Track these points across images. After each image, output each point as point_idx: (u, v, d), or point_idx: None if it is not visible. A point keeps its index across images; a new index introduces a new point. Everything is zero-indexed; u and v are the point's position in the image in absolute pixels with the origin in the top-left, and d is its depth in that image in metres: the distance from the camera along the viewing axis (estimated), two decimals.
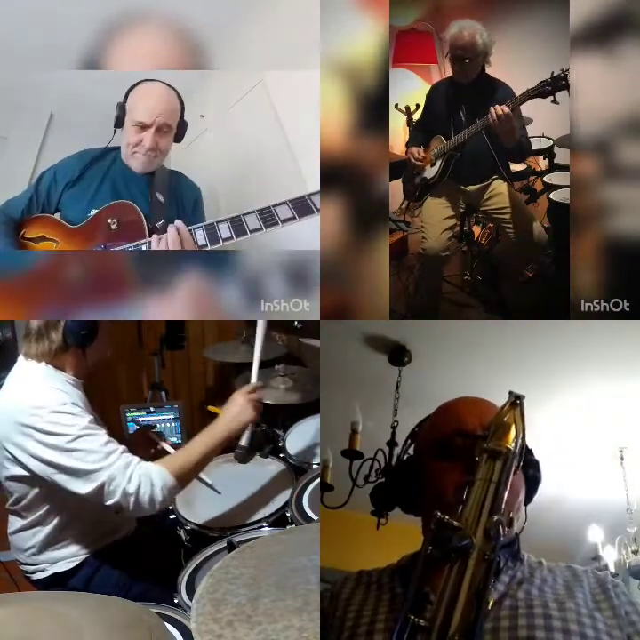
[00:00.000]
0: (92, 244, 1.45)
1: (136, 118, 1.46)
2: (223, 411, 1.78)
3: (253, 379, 1.89)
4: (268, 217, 1.41)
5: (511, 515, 0.86)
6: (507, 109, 1.53)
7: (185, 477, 1.65)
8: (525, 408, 0.93)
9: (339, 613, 0.96)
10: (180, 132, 1.50)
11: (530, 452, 1.00)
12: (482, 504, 0.83)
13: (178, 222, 1.43)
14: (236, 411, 1.77)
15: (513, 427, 0.90)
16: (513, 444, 0.88)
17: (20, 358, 1.71)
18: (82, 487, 1.54)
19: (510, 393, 0.93)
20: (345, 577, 1.04)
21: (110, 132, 1.51)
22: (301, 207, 1.41)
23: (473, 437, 0.93)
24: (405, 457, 1.09)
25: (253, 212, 1.40)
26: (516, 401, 0.92)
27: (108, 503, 1.55)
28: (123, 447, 1.60)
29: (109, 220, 1.45)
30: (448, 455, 0.95)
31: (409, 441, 1.10)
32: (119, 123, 1.47)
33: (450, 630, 0.76)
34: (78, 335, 1.66)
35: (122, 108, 1.46)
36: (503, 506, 0.83)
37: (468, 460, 0.90)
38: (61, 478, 1.56)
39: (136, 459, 1.59)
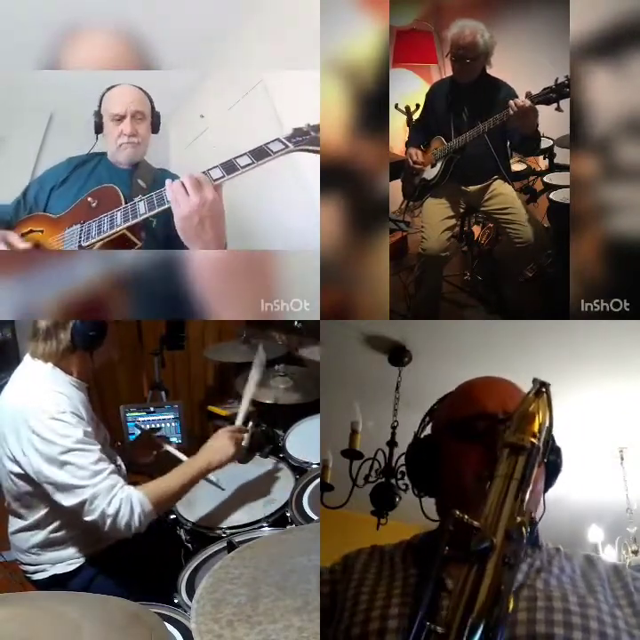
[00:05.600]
0: (72, 225, 1.49)
1: (111, 111, 1.52)
2: (206, 444, 1.82)
3: (239, 421, 1.93)
4: (260, 154, 1.43)
5: (533, 514, 0.81)
6: (528, 103, 1.52)
7: (162, 506, 1.70)
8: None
9: (351, 592, 0.94)
10: (154, 121, 1.54)
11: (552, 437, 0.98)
12: (502, 502, 0.78)
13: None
14: (218, 446, 1.81)
15: (537, 418, 0.83)
16: (536, 438, 0.82)
17: (27, 357, 1.71)
18: (64, 499, 1.57)
19: (534, 380, 0.87)
20: (358, 550, 1.02)
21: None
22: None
23: (494, 421, 0.90)
24: (422, 436, 1.05)
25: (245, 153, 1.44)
26: (540, 389, 0.85)
27: (86, 519, 1.57)
28: (111, 467, 1.62)
29: (90, 199, 1.50)
30: (468, 437, 0.92)
31: (427, 419, 1.06)
32: (99, 129, 1.54)
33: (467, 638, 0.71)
34: (86, 337, 1.67)
35: (98, 115, 1.52)
36: (526, 505, 0.79)
37: (488, 444, 0.88)
38: (48, 487, 1.58)
39: (121, 482, 1.61)
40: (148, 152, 1.58)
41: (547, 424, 0.84)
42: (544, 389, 0.86)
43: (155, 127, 1.55)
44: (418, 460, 1.02)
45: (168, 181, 1.43)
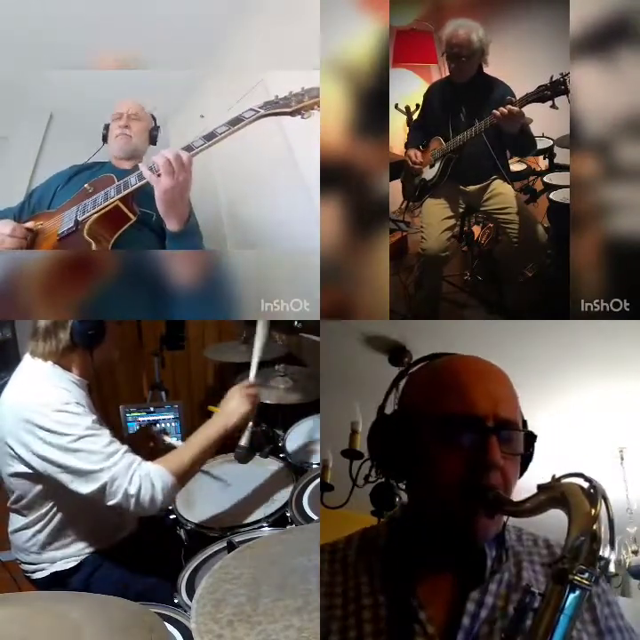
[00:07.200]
0: (69, 212, 1.54)
1: (115, 111, 1.65)
2: (220, 406, 1.80)
3: (251, 377, 1.90)
4: (235, 121, 1.52)
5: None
6: (515, 109, 1.52)
7: (185, 476, 1.66)
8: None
9: (323, 602, 0.90)
10: (152, 132, 1.69)
11: (524, 423, 0.91)
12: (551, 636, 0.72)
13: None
14: (233, 405, 1.78)
15: (597, 539, 0.72)
16: (594, 569, 0.71)
17: (27, 357, 1.71)
18: (84, 487, 1.55)
19: (594, 488, 0.75)
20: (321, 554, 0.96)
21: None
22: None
23: (483, 427, 0.83)
24: (390, 413, 0.95)
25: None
26: (597, 496, 0.74)
27: (110, 503, 1.56)
28: (125, 447, 1.61)
29: (87, 186, 1.58)
30: (451, 438, 0.84)
31: (395, 389, 0.96)
32: (105, 139, 1.64)
33: None
34: (85, 335, 1.67)
35: (106, 127, 1.64)
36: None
37: (472, 450, 0.83)
38: (64, 477, 1.56)
39: (138, 459, 1.60)
40: (149, 154, 1.63)
41: (607, 543, 0.75)
42: (602, 497, 0.75)
43: (153, 138, 1.67)
44: (384, 441, 0.92)
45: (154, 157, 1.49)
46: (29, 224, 1.52)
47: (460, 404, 0.85)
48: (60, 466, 1.56)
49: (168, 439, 2.00)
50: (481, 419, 0.83)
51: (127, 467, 1.56)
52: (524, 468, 0.91)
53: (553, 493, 0.77)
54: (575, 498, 0.74)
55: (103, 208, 1.49)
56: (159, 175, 1.44)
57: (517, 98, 1.55)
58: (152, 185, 1.46)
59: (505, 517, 0.87)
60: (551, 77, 1.47)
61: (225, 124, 1.50)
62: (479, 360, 0.91)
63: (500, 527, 0.88)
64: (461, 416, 0.84)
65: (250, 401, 1.79)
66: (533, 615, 0.75)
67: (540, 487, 0.80)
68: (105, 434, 1.59)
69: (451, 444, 0.84)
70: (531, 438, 0.91)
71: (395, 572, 0.88)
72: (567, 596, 0.71)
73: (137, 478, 1.55)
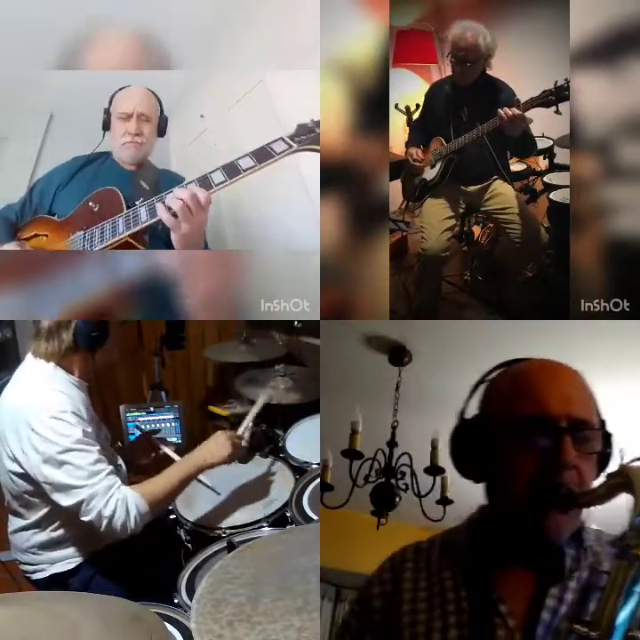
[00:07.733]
0: (75, 230, 1.51)
1: (119, 110, 1.54)
2: (203, 444, 1.83)
3: (240, 430, 1.94)
4: (263, 155, 1.43)
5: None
6: (518, 111, 1.52)
7: (159, 507, 1.70)
8: None
9: (406, 607, 0.90)
10: (161, 124, 1.58)
11: (603, 423, 0.94)
12: (617, 615, 0.73)
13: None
14: (215, 447, 1.81)
15: None
16: None
17: (28, 356, 1.72)
18: (62, 499, 1.58)
19: None
20: (403, 554, 0.97)
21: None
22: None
23: (556, 427, 0.84)
24: (470, 417, 0.97)
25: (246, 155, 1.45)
26: None
27: (83, 519, 1.58)
28: (109, 468, 1.62)
29: (91, 204, 1.52)
30: (524, 440, 0.85)
31: (474, 393, 0.98)
32: (106, 126, 1.56)
33: None
34: (88, 337, 1.67)
35: (107, 113, 1.55)
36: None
37: (546, 452, 0.84)
38: (46, 486, 1.59)
39: (118, 482, 1.62)
40: (158, 149, 1.59)
41: None
42: None
43: (161, 131, 1.58)
44: (464, 445, 0.95)
45: (168, 197, 1.44)
46: (33, 233, 1.51)
47: (533, 406, 0.87)
48: (43, 475, 1.57)
49: (167, 450, 2.00)
50: (554, 419, 0.85)
51: (107, 489, 1.58)
52: (603, 466, 0.93)
53: (619, 478, 0.79)
54: (639, 478, 0.76)
55: (111, 245, 1.46)
56: (174, 214, 1.40)
57: (520, 100, 1.55)
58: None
59: (582, 517, 0.88)
60: (556, 83, 1.46)
61: (250, 155, 1.42)
62: (552, 362, 0.95)
63: (576, 525, 0.88)
64: (535, 418, 0.86)
65: (232, 446, 1.82)
66: (600, 594, 0.76)
67: (608, 475, 0.82)
68: (93, 451, 1.60)
69: (526, 447, 0.86)
70: (608, 437, 0.94)
71: (476, 569, 0.89)
72: (635, 572, 0.72)
73: (113, 501, 1.58)
